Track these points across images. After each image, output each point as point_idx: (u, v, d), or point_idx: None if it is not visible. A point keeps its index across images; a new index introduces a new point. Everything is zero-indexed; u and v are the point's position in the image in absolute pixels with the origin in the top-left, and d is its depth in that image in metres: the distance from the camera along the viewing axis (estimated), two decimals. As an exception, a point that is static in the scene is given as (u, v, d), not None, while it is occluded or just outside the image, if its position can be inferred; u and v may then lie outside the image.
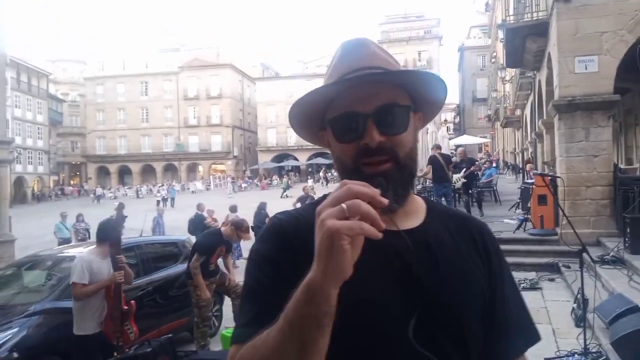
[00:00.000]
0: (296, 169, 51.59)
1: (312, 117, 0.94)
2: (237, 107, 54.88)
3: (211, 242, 5.33)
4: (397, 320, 0.82)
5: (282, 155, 52.31)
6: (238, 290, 5.43)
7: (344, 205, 0.65)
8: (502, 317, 0.94)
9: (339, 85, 0.87)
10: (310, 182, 36.04)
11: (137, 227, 14.69)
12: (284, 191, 33.00)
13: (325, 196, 0.91)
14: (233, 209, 12.12)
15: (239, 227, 5.30)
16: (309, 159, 51.05)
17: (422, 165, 11.80)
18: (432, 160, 10.94)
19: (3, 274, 6.02)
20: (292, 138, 52.09)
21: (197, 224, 11.27)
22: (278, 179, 46.55)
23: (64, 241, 12.63)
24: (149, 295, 5.49)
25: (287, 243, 0.87)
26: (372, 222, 0.64)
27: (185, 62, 53.77)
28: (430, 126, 16.62)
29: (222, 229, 5.54)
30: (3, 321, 4.23)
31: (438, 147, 11.86)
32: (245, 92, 57.02)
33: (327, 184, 37.10)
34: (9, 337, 3.95)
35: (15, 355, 3.86)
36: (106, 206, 28.29)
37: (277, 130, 52.65)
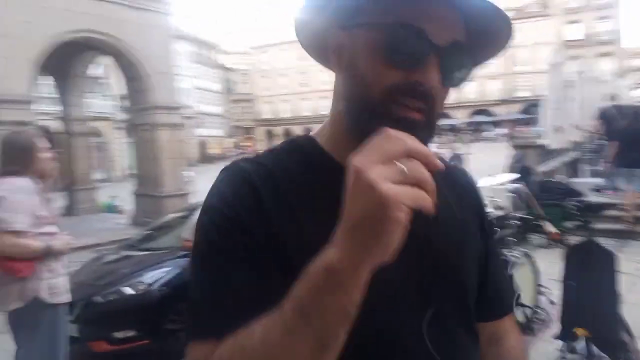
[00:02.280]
0: (452, 129, 49.41)
1: (332, 4, 0.69)
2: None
3: None
4: (414, 308, 0.71)
5: (438, 114, 50.52)
6: None
7: (404, 167, 0.50)
8: (494, 276, 0.87)
9: None
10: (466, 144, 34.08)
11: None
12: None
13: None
14: None
15: None
16: (470, 116, 48.40)
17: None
18: (605, 114, 9.44)
19: (174, 217, 7.01)
20: (450, 95, 49.82)
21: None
22: (433, 138, 45.21)
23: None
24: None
25: (259, 200, 0.67)
26: (431, 193, 0.50)
27: None
28: (606, 75, 14.31)
29: None
30: (162, 259, 4.95)
31: (614, 97, 10.19)
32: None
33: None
34: (162, 275, 4.61)
35: (165, 289, 4.50)
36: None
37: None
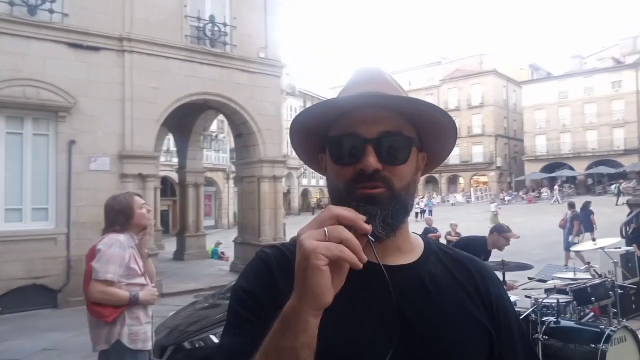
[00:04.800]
0: (572, 180, 45.69)
1: (313, 135, 0.93)
2: (500, 114, 52.24)
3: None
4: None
5: (554, 165, 47.11)
6: None
7: (325, 228, 0.65)
8: None
9: (343, 102, 0.85)
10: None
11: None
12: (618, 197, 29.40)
13: None
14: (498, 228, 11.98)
15: (501, 230, 4.96)
16: (589, 168, 44.51)
17: None
18: None
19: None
20: (566, 145, 46.46)
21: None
22: (548, 191, 42.13)
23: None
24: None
25: (271, 279, 0.85)
26: (353, 249, 0.64)
27: (447, 75, 54.28)
28: None
29: (488, 237, 5.05)
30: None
31: None
32: (510, 98, 53.82)
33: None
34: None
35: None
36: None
37: (547, 137, 47.83)
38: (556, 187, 39.63)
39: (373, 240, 0.72)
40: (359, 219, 0.67)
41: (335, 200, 0.85)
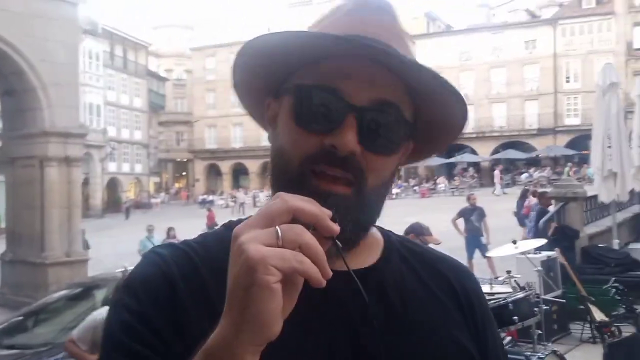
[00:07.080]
0: (475, 167, 50.40)
1: (267, 70, 0.89)
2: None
3: None
4: None
5: (452, 147, 51.42)
6: None
7: (278, 227, 0.63)
8: None
9: (334, 41, 0.80)
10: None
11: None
12: None
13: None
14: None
15: (419, 232, 5.30)
16: (495, 152, 49.46)
17: None
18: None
19: (60, 298, 6.92)
20: (470, 121, 50.58)
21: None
22: (446, 181, 45.93)
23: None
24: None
25: (173, 296, 0.81)
26: (315, 260, 0.62)
27: (316, 20, 56.05)
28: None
29: None
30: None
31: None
32: (400, 57, 57.47)
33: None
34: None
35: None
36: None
37: (445, 111, 52.01)
38: (497, 171, 41.79)
39: (340, 245, 0.71)
40: (324, 214, 0.67)
41: (275, 178, 0.87)
